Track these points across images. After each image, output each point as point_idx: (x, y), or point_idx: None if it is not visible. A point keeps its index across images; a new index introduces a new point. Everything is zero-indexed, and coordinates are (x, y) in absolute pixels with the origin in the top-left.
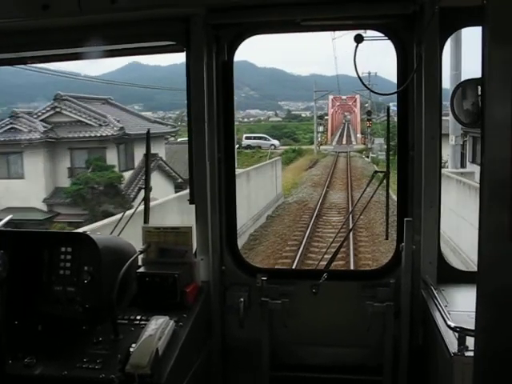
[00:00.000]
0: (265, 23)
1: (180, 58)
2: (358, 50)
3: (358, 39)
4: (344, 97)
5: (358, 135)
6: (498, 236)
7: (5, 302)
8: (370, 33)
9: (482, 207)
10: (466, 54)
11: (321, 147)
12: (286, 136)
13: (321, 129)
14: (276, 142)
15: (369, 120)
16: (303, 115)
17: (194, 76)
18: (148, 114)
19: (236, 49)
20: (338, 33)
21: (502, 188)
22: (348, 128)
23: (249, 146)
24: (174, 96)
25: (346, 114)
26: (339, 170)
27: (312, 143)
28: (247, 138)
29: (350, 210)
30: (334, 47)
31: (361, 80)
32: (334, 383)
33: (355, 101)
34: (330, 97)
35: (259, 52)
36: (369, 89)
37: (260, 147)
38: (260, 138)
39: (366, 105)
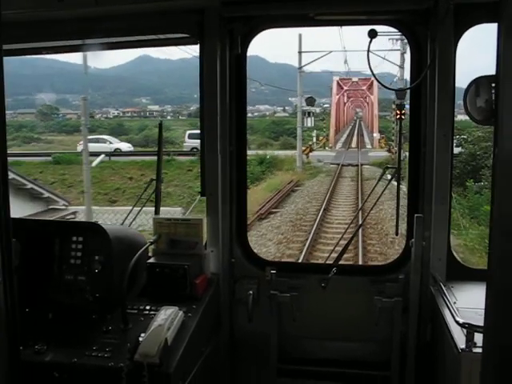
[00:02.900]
0: (279, 17)
1: (190, 52)
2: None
3: (372, 34)
4: (355, 78)
5: (375, 135)
6: (510, 232)
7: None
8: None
9: (494, 204)
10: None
11: (312, 154)
12: (287, 133)
13: (309, 123)
14: None
15: (399, 108)
16: (312, 110)
17: (207, 69)
18: (155, 107)
19: (249, 42)
20: (347, 36)
21: None
22: (360, 125)
23: (194, 150)
24: (183, 90)
25: (357, 110)
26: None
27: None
28: (191, 136)
29: (360, 206)
30: (343, 43)
31: (373, 73)
32: (341, 377)
33: (371, 85)
34: (335, 79)
35: (271, 47)
36: (381, 83)
37: None
38: None
39: (396, 80)
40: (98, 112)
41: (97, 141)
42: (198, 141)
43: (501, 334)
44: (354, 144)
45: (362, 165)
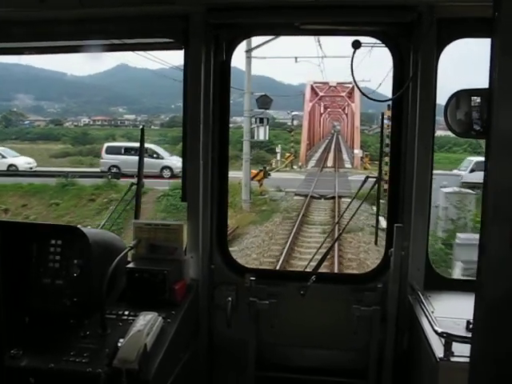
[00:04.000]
0: (264, 25)
1: (169, 62)
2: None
3: (356, 45)
4: (333, 82)
5: (357, 151)
6: (499, 244)
7: None
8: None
9: (485, 216)
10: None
11: (273, 177)
12: (260, 146)
13: (262, 134)
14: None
15: None
16: (289, 123)
17: (192, 74)
18: (131, 116)
19: (234, 49)
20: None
21: (506, 198)
22: (337, 139)
23: (113, 169)
24: (160, 99)
25: (335, 123)
26: None
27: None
28: (111, 150)
29: (339, 216)
30: (320, 58)
31: (356, 84)
32: None
33: (351, 91)
34: (308, 83)
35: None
36: (364, 94)
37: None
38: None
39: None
40: (69, 120)
41: None
42: (122, 157)
43: (489, 343)
44: (330, 162)
45: (340, 197)
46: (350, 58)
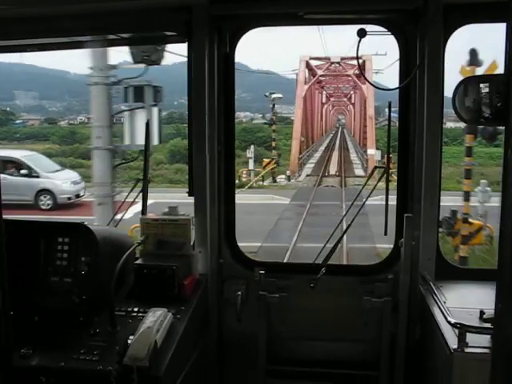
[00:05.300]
0: (267, 15)
1: (171, 59)
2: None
3: (361, 34)
4: (335, 57)
5: (372, 152)
6: None
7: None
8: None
9: (505, 202)
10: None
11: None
12: (258, 143)
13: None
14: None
15: None
16: (292, 118)
17: (195, 67)
18: None
19: (238, 41)
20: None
21: None
22: (342, 135)
23: None
24: (163, 96)
25: (339, 117)
26: None
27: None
28: None
29: (349, 206)
30: (325, 49)
31: (362, 73)
32: (330, 378)
33: (361, 69)
34: (303, 60)
35: (252, 54)
36: (370, 82)
37: None
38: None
39: None
40: (65, 118)
41: None
42: None
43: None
44: (333, 167)
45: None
46: (356, 47)
